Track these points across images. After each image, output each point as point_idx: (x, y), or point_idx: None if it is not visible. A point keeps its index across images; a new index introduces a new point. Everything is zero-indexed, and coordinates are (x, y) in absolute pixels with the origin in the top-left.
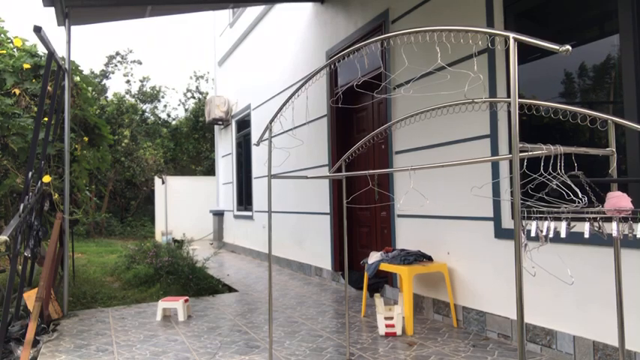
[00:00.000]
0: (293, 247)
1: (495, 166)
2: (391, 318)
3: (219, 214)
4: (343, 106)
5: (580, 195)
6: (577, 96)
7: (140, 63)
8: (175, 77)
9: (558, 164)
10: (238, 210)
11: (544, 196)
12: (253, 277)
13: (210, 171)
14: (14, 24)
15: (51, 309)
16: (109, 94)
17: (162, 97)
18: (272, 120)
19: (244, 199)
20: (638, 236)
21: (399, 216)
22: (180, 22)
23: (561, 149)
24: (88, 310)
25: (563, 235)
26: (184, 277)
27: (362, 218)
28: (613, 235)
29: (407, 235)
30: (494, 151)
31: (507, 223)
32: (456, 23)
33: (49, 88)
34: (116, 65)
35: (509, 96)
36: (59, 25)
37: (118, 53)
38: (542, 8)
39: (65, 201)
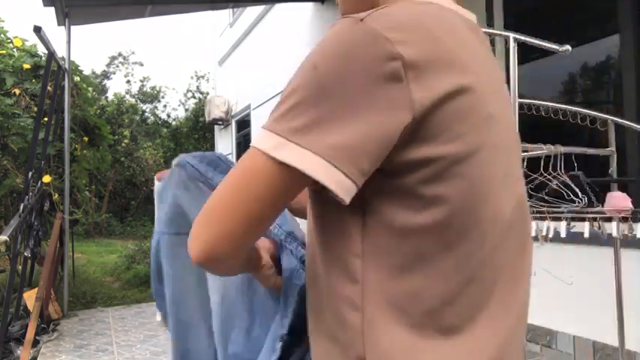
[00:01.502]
0: None
1: None
2: None
3: None
4: None
5: (580, 195)
6: (577, 96)
7: (142, 65)
8: (175, 77)
9: (558, 164)
10: None
11: (544, 196)
12: None
13: None
14: (14, 24)
15: (51, 309)
16: (110, 95)
17: (163, 98)
18: None
19: None
20: (638, 236)
21: None
22: (180, 22)
23: (561, 149)
24: (88, 310)
25: (563, 235)
26: None
27: None
28: (613, 235)
29: None
30: None
31: None
32: None
33: (49, 88)
34: (117, 66)
35: None
36: (59, 25)
37: (120, 54)
38: (543, 8)
39: (65, 201)
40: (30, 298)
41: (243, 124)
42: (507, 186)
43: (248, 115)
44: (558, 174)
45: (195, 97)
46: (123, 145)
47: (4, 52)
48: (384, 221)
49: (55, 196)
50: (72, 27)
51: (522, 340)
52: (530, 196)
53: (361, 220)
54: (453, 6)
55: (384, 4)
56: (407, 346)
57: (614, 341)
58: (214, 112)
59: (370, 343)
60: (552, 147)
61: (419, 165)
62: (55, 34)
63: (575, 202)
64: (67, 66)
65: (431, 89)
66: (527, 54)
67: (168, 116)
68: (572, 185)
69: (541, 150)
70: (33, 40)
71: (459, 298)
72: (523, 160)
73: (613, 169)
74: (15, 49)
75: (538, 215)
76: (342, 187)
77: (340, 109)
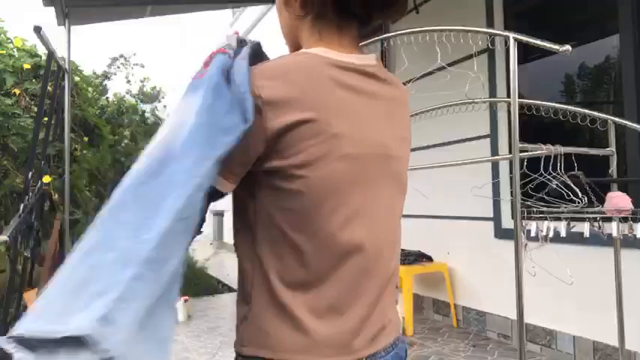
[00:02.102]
0: None
1: (495, 166)
2: None
3: (219, 214)
4: None
5: (580, 195)
6: (577, 96)
7: (143, 66)
8: (176, 77)
9: (558, 164)
10: None
11: (544, 196)
12: None
13: None
14: (14, 24)
15: None
16: (110, 95)
17: (163, 98)
18: None
19: None
20: (638, 236)
21: None
22: (180, 22)
23: (561, 149)
24: None
25: (563, 235)
26: (184, 277)
27: None
28: (613, 235)
29: (407, 235)
30: (494, 151)
31: (507, 223)
32: (456, 23)
33: (49, 88)
34: (119, 67)
35: (509, 96)
36: (59, 25)
37: (122, 55)
38: (543, 8)
39: (65, 201)
40: (30, 298)
41: None
42: (359, 183)
43: None
44: (558, 174)
45: None
46: (123, 145)
47: (4, 52)
48: (263, 203)
49: (55, 196)
50: (72, 27)
51: (377, 300)
52: (530, 196)
53: (253, 202)
54: (327, 53)
55: (304, 46)
56: (275, 286)
57: (614, 341)
58: None
59: (255, 284)
60: (552, 147)
61: (275, 169)
62: (55, 34)
63: (575, 202)
64: (67, 66)
65: (280, 121)
66: (527, 54)
67: (168, 116)
68: (572, 185)
69: (541, 150)
70: (33, 40)
71: (310, 264)
72: (523, 160)
73: (613, 169)
74: (15, 49)
75: (538, 215)
76: (221, 184)
77: None
